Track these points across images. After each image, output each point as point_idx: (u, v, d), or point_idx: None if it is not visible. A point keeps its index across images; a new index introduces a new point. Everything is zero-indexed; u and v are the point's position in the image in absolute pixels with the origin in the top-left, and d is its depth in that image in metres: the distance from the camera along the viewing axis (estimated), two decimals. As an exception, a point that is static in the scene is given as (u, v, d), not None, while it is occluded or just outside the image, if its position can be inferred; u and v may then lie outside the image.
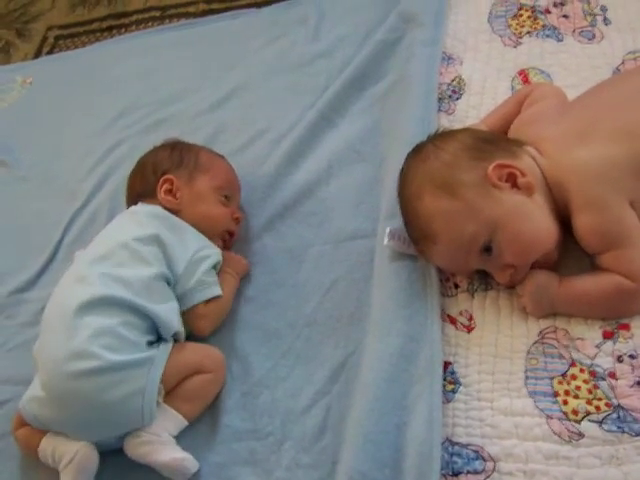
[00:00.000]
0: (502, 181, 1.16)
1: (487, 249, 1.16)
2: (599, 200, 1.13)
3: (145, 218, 1.40)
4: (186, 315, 1.36)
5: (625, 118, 1.17)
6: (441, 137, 1.27)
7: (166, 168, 1.48)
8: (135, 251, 1.33)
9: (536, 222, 1.16)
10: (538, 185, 1.18)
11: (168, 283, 1.34)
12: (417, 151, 1.27)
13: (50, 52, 2.37)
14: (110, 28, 2.29)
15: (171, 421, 1.24)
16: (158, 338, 1.30)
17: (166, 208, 1.44)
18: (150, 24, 2.24)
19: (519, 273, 1.18)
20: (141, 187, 1.49)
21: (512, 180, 1.17)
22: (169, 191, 1.45)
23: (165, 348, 1.28)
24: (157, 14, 2.26)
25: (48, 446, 1.24)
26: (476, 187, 1.16)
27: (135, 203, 1.48)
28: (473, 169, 1.17)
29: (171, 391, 1.26)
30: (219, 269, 1.42)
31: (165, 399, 1.25)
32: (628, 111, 1.18)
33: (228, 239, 1.49)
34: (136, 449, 1.21)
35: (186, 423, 1.26)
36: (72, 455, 1.20)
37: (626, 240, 1.12)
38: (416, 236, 1.24)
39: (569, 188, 1.15)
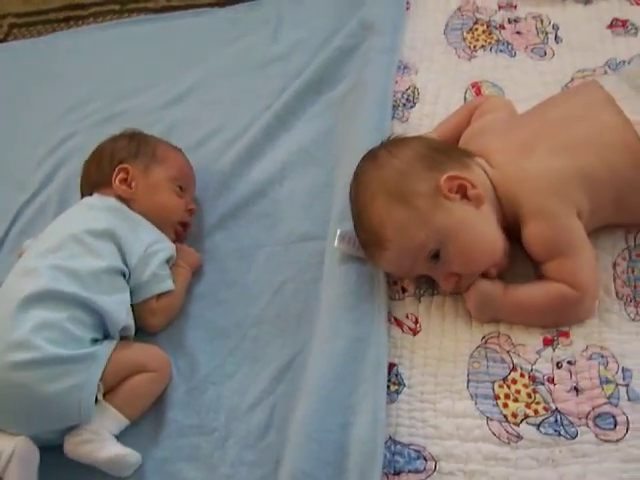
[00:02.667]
0: (453, 192, 1.19)
1: (434, 256, 1.19)
2: (548, 209, 1.16)
3: (99, 212, 1.40)
4: (137, 310, 1.36)
5: (571, 133, 1.22)
6: (395, 144, 1.29)
7: (123, 157, 1.48)
8: (87, 244, 1.33)
9: (483, 234, 1.19)
10: (487, 197, 1.21)
11: (123, 276, 1.34)
12: (371, 157, 1.28)
13: (4, 40, 2.33)
14: (67, 19, 2.26)
15: (111, 420, 1.23)
16: (105, 336, 1.29)
17: (120, 197, 1.44)
18: (109, 17, 2.22)
19: (464, 281, 1.21)
20: (97, 175, 1.49)
21: (462, 191, 1.19)
22: (124, 180, 1.45)
23: (108, 345, 1.27)
24: (116, 7, 2.24)
25: None
26: (428, 197, 1.18)
27: (90, 191, 1.48)
28: (426, 179, 1.20)
29: (112, 389, 1.25)
30: (172, 263, 1.42)
31: (106, 397, 1.24)
32: (573, 126, 1.22)
33: (181, 231, 1.50)
34: (76, 449, 1.20)
35: (127, 422, 1.25)
36: (11, 451, 1.17)
37: (572, 249, 1.16)
38: (366, 241, 1.25)
39: (519, 198, 1.19)
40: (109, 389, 1.25)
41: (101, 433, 1.21)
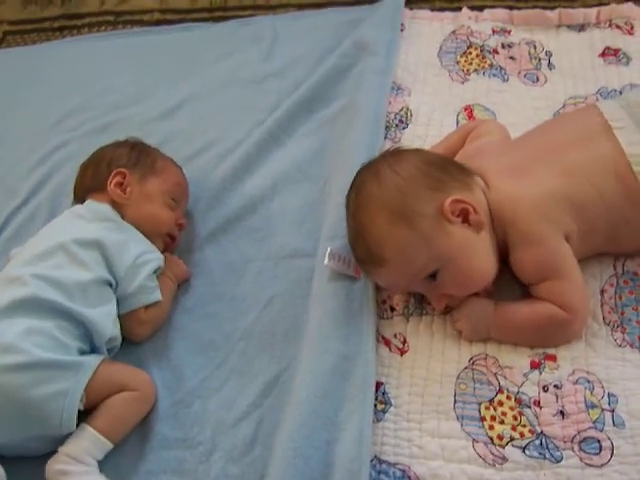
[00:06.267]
0: (455, 216, 1.18)
1: (431, 276, 1.19)
2: (539, 233, 1.18)
3: (88, 221, 1.40)
4: (125, 319, 1.35)
5: (565, 158, 1.23)
6: (397, 159, 1.26)
7: (121, 164, 1.49)
8: (74, 254, 1.32)
9: (481, 260, 1.20)
10: (486, 221, 1.21)
11: (110, 286, 1.34)
12: (373, 172, 1.26)
13: (-3, 47, 2.33)
14: (62, 28, 2.25)
15: (94, 445, 1.21)
16: (92, 349, 1.29)
17: (114, 202, 1.44)
18: (103, 28, 2.22)
19: (455, 301, 1.23)
20: (92, 179, 1.49)
21: (464, 215, 1.19)
22: (119, 184, 1.45)
23: (96, 357, 1.26)
24: (111, 19, 2.23)
25: None
26: (431, 219, 1.18)
27: (83, 194, 1.48)
28: (429, 200, 1.19)
29: (93, 408, 1.24)
30: (159, 273, 1.42)
31: (88, 420, 1.22)
32: (568, 152, 1.24)
33: (169, 243, 1.50)
34: (56, 478, 1.19)
35: (111, 446, 1.23)
36: None
37: (561, 272, 1.18)
38: (363, 257, 1.25)
39: (510, 220, 1.20)
40: (90, 403, 1.23)
41: (82, 459, 1.19)
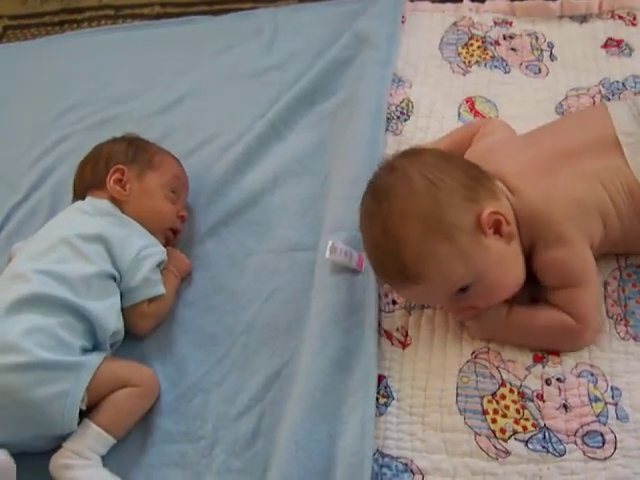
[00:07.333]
0: (488, 227, 1.13)
1: (462, 289, 1.15)
2: (570, 236, 1.15)
3: (91, 216, 1.40)
4: (128, 313, 1.35)
5: (582, 164, 1.20)
6: (422, 163, 1.18)
7: (119, 160, 1.48)
8: (77, 248, 1.32)
9: (512, 272, 1.17)
10: (515, 231, 1.17)
11: (114, 279, 1.34)
12: (399, 177, 1.17)
13: (-3, 42, 2.33)
14: (62, 23, 2.26)
15: (96, 439, 1.21)
16: (95, 345, 1.29)
17: (113, 199, 1.44)
18: (103, 22, 2.22)
19: (479, 311, 1.20)
20: (91, 176, 1.48)
21: (496, 226, 1.15)
22: (119, 181, 1.45)
23: (98, 356, 1.26)
24: (111, 13, 2.23)
25: None
26: (469, 232, 1.12)
27: (83, 191, 1.48)
28: (466, 212, 1.13)
29: (96, 404, 1.24)
30: (162, 267, 1.42)
31: (91, 416, 1.23)
32: (584, 158, 1.21)
33: (171, 237, 1.50)
34: (59, 472, 1.19)
35: (113, 441, 1.23)
36: None
37: (583, 280, 1.16)
38: (395, 274, 1.16)
39: (545, 223, 1.16)
40: (92, 402, 1.23)
41: (86, 455, 1.19)
